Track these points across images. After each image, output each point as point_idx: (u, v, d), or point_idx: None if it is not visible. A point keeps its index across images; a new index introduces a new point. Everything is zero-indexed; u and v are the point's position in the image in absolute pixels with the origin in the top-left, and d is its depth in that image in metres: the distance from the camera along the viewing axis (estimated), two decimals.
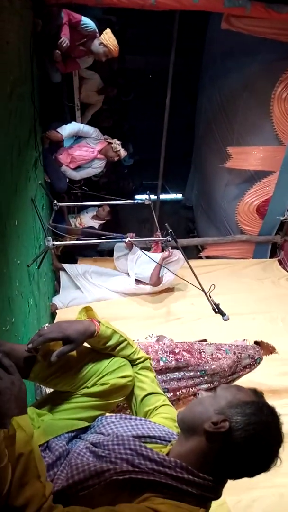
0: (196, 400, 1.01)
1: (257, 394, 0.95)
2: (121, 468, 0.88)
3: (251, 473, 0.90)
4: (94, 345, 1.18)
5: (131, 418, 1.10)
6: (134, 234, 3.81)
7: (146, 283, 3.87)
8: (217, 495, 0.92)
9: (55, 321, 3.55)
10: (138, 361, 1.25)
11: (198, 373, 2.25)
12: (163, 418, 1.14)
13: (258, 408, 0.89)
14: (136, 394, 1.22)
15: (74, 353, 1.13)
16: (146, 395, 1.21)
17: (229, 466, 0.90)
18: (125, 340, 1.21)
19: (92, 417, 1.13)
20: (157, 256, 3.79)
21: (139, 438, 1.00)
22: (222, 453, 0.88)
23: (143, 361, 1.27)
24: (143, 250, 3.70)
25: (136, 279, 3.89)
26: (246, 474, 0.90)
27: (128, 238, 3.38)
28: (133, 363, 1.24)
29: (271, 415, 0.90)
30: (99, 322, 1.15)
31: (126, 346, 1.21)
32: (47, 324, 1.10)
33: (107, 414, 1.17)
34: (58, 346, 1.08)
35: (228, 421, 0.87)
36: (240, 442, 0.86)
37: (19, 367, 1.07)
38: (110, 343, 1.17)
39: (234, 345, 2.42)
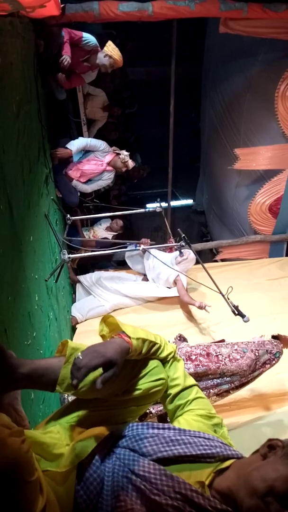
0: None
1: None
2: None
3: None
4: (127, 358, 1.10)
5: (164, 428, 1.05)
6: (148, 240, 3.83)
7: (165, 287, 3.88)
8: None
9: (76, 335, 3.57)
10: (168, 357, 1.20)
11: (218, 374, 2.24)
12: (197, 415, 1.10)
13: None
14: (169, 393, 1.18)
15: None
16: (178, 392, 1.17)
17: None
18: (154, 343, 1.16)
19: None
20: (169, 256, 3.82)
21: (182, 459, 0.96)
22: None
23: (173, 355, 1.22)
24: (154, 255, 3.71)
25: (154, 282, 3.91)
26: None
27: (142, 246, 3.40)
28: (163, 361, 1.20)
29: None
30: (128, 336, 1.09)
31: (155, 348, 1.17)
32: (79, 354, 1.01)
33: (136, 422, 1.14)
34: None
35: None
36: None
37: (44, 382, 1.06)
38: (142, 353, 1.12)
39: (251, 343, 2.39)
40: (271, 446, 0.90)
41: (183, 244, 3.17)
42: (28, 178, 2.52)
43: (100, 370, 0.99)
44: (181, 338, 2.76)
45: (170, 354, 1.21)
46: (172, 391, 1.18)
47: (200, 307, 3.34)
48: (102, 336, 1.20)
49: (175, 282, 3.76)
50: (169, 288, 3.85)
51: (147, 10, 3.22)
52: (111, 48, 3.47)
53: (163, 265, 3.57)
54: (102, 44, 3.51)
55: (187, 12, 3.26)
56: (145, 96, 6.48)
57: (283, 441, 0.91)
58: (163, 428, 1.05)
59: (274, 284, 4.31)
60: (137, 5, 3.21)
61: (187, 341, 2.74)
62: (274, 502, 0.80)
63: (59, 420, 1.11)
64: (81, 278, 4.10)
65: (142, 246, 3.40)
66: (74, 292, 4.17)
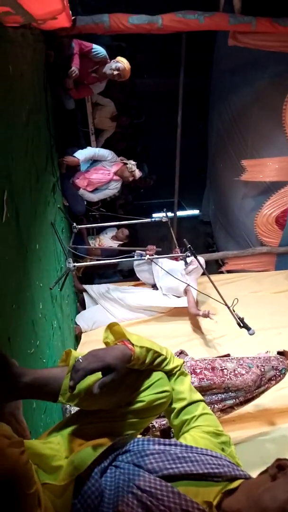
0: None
1: None
2: None
3: None
4: (129, 367, 1.09)
5: (170, 444, 1.02)
6: (154, 247, 3.81)
7: (174, 296, 3.85)
8: None
9: (80, 345, 3.55)
10: (174, 370, 1.18)
11: (222, 389, 2.21)
12: (204, 432, 1.07)
13: None
14: (173, 407, 1.15)
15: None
16: (184, 407, 1.14)
17: None
18: (159, 354, 1.14)
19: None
20: (177, 265, 3.81)
21: (188, 476, 0.94)
22: None
23: (179, 369, 1.19)
24: (161, 264, 3.69)
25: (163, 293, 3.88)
26: None
27: (148, 256, 3.40)
28: (169, 373, 1.17)
29: None
30: (132, 344, 1.07)
31: (161, 359, 1.14)
32: (80, 357, 0.99)
33: (139, 436, 1.11)
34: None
35: None
36: None
37: (46, 392, 1.04)
38: (145, 362, 1.10)
39: (257, 358, 2.36)
40: (280, 466, 0.87)
41: (189, 254, 3.16)
42: (35, 186, 2.53)
43: (99, 375, 0.98)
44: (182, 354, 2.74)
45: (176, 367, 1.19)
46: (177, 405, 1.15)
47: (204, 316, 3.31)
48: (106, 344, 1.17)
49: (185, 291, 3.73)
50: (179, 297, 3.82)
51: (156, 23, 3.26)
52: (119, 59, 3.51)
53: (173, 274, 3.57)
54: (112, 56, 3.55)
55: (196, 25, 3.29)
56: (153, 107, 6.53)
57: None
58: (170, 445, 1.02)
59: (280, 297, 4.27)
60: (146, 18, 3.25)
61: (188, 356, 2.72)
62: None
63: (61, 432, 1.08)
64: (88, 288, 4.07)
65: (148, 256, 3.39)
66: (79, 301, 4.16)
